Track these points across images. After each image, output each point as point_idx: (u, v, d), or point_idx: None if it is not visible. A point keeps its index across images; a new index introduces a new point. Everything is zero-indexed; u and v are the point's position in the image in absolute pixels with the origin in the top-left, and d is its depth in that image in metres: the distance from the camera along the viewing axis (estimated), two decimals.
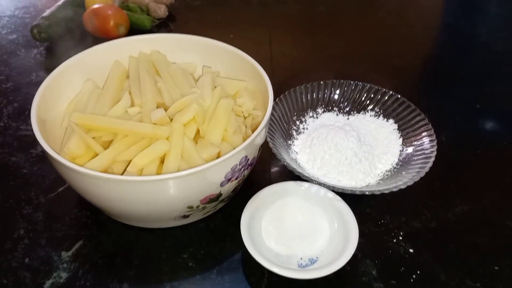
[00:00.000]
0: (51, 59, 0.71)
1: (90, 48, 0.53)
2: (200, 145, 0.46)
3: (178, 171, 0.43)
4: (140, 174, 0.43)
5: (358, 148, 0.52)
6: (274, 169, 0.55)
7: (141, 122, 0.46)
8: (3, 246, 0.46)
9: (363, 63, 0.72)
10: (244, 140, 0.48)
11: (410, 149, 0.53)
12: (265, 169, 0.55)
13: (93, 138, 0.46)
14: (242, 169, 0.44)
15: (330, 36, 0.79)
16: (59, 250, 0.46)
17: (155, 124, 0.45)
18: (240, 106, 0.51)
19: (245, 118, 0.51)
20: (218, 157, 0.45)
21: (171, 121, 0.47)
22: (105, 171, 0.45)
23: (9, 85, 0.66)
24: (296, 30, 0.80)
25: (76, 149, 0.45)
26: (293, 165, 0.50)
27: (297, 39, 0.78)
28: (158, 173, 0.44)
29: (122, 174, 0.45)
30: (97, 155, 0.45)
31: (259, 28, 0.80)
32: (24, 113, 0.61)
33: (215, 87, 0.51)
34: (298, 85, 0.58)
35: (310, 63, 0.72)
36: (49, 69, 0.70)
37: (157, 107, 0.49)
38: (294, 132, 0.57)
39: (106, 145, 0.47)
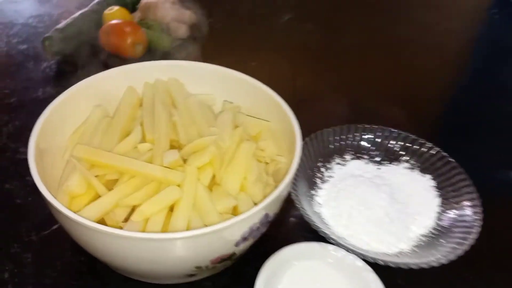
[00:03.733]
0: (61, 76, 0.67)
1: (103, 72, 0.48)
2: (215, 194, 0.40)
3: (188, 224, 0.38)
4: (145, 223, 0.38)
5: (391, 207, 0.46)
6: (291, 219, 0.49)
7: (151, 164, 0.41)
8: None
9: (394, 107, 0.66)
10: (265, 190, 0.43)
11: (449, 213, 0.47)
12: (281, 220, 0.49)
13: (97, 176, 0.41)
14: (261, 227, 0.39)
15: (359, 72, 0.73)
16: None
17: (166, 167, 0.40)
18: (262, 150, 0.46)
19: (266, 164, 0.46)
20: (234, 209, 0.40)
21: (184, 163, 0.41)
22: (106, 215, 0.40)
23: (12, 100, 0.61)
24: (322, 63, 0.75)
25: (76, 188, 0.40)
26: (316, 220, 0.45)
27: (324, 71, 0.73)
28: (166, 223, 0.38)
29: (125, 219, 0.40)
30: (99, 194, 0.41)
31: (283, 58, 0.75)
32: (25, 134, 0.55)
33: (236, 126, 0.46)
34: (325, 128, 0.53)
35: (338, 102, 0.66)
36: (57, 86, 0.66)
37: (170, 143, 0.44)
38: (318, 180, 0.51)
39: (110, 184, 0.42)
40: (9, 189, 0.50)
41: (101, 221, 0.40)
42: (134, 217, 0.37)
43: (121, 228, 0.39)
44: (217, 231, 0.34)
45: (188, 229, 0.38)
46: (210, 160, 0.41)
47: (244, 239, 0.38)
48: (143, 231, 0.38)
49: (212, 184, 0.42)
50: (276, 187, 0.39)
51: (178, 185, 0.39)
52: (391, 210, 0.46)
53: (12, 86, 0.64)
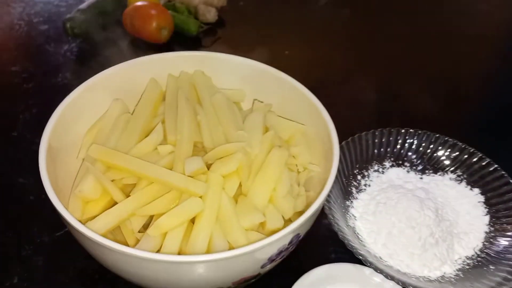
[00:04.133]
0: (82, 60, 0.63)
1: (123, 62, 0.44)
2: (240, 207, 0.36)
3: (210, 240, 0.34)
4: (163, 237, 0.35)
5: (436, 226, 0.41)
6: (321, 230, 0.45)
7: (172, 171, 0.37)
8: None
9: (441, 107, 0.59)
10: (296, 202, 0.39)
11: (500, 235, 0.42)
12: (310, 232, 0.44)
13: (113, 180, 0.38)
14: (291, 247, 0.35)
15: (402, 66, 0.67)
16: None
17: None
18: (294, 157, 0.41)
19: (298, 172, 0.42)
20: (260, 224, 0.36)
21: (208, 169, 0.37)
22: (121, 223, 0.37)
23: (30, 85, 0.58)
24: (361, 53, 0.69)
25: (89, 193, 0.37)
26: (351, 236, 0.40)
27: (363, 63, 0.67)
28: (186, 236, 0.35)
29: (141, 229, 0.37)
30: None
31: (318, 47, 0.70)
32: (42, 123, 0.52)
33: (266, 128, 0.42)
34: (363, 129, 0.48)
35: (378, 100, 0.60)
36: (77, 72, 0.63)
37: (194, 144, 0.40)
38: (353, 189, 0.46)
39: (127, 188, 0.38)
40: (23, 183, 0.47)
41: (116, 228, 0.37)
42: (150, 231, 0.34)
43: (137, 239, 0.36)
44: (242, 254, 0.31)
45: (209, 246, 0.34)
46: (236, 169, 0.37)
47: (272, 260, 0.34)
48: (160, 246, 0.34)
49: (238, 194, 0.38)
50: (308, 204, 0.35)
51: (200, 196, 0.35)
52: (436, 230, 0.41)
53: (31, 69, 0.61)
